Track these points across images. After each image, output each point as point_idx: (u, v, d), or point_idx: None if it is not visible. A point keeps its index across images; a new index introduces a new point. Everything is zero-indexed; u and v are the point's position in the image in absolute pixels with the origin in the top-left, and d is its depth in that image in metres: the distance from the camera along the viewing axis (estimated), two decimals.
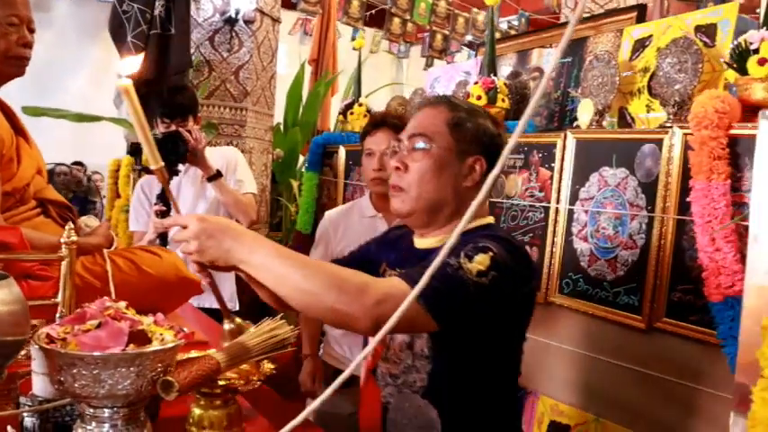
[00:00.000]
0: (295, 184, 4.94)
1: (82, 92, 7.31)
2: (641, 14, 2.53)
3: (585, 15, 5.57)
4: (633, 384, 1.82)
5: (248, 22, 4.42)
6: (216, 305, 2.83)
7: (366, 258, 1.62)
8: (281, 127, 5.45)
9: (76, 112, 4.41)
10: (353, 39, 8.16)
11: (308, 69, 6.01)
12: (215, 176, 2.78)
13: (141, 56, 1.22)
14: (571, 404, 1.98)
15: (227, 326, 1.26)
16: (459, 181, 1.42)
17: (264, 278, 1.17)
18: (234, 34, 4.42)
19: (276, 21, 4.68)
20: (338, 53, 6.43)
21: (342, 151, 3.25)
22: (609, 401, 1.88)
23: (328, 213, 2.66)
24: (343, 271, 1.20)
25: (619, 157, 1.90)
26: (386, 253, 1.59)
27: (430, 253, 1.42)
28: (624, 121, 2.24)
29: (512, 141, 0.65)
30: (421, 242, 1.49)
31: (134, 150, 2.76)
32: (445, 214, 1.44)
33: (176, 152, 2.60)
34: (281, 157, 5.09)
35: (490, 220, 1.50)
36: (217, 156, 2.97)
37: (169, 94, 2.92)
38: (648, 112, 2.16)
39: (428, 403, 1.39)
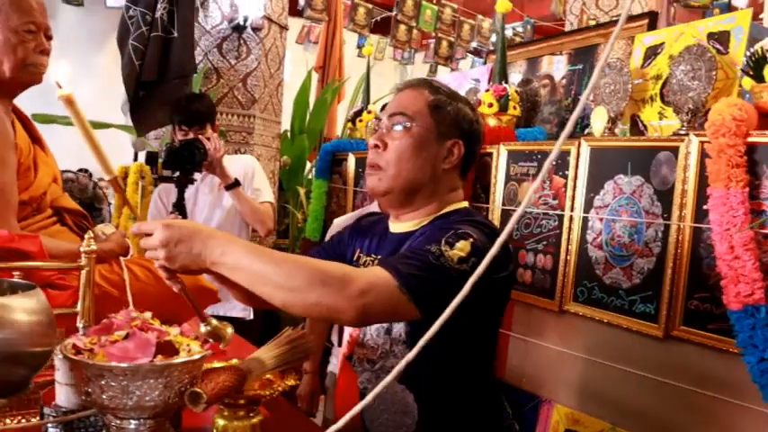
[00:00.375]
0: (302, 191, 4.94)
1: (88, 99, 7.31)
2: (652, 22, 2.53)
3: (592, 23, 5.58)
4: (650, 393, 1.81)
5: (256, 29, 4.43)
6: (231, 314, 2.83)
7: (339, 248, 1.62)
8: (288, 134, 5.46)
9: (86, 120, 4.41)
10: (359, 46, 8.21)
11: (315, 76, 6.02)
12: (233, 185, 2.79)
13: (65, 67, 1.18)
14: (587, 413, 1.98)
15: (203, 328, 1.22)
16: (438, 163, 1.44)
17: (240, 278, 1.15)
18: (242, 41, 4.43)
19: (284, 28, 4.69)
20: (344, 60, 6.44)
21: (351, 159, 3.25)
22: (625, 410, 1.87)
23: (337, 220, 2.67)
24: (323, 264, 1.19)
25: (634, 165, 1.90)
26: (360, 240, 1.59)
27: (407, 237, 1.43)
28: (636, 128, 2.24)
29: (555, 150, 0.65)
30: (396, 226, 1.50)
31: (150, 159, 2.77)
32: (422, 195, 1.44)
33: (192, 160, 2.60)
34: (289, 164, 5.10)
35: (465, 204, 1.51)
36: (235, 164, 2.97)
37: (187, 101, 2.91)
38: (661, 119, 2.15)
39: (405, 389, 1.38)
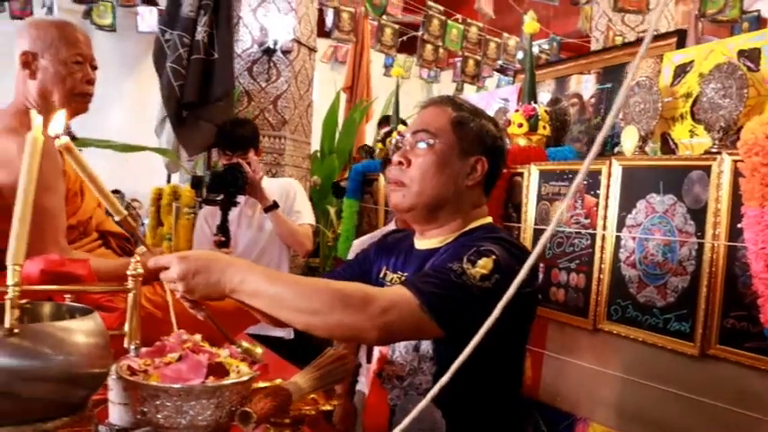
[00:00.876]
0: (332, 210, 4.99)
1: (122, 122, 7.49)
2: (681, 40, 2.54)
3: (618, 39, 5.58)
4: (686, 411, 1.81)
5: (286, 52, 4.52)
6: (272, 333, 2.86)
7: (365, 265, 1.64)
8: (318, 154, 5.53)
9: (122, 143, 4.53)
10: (386, 65, 8.30)
11: (343, 96, 6.10)
12: (271, 207, 2.85)
13: (63, 113, 1.16)
14: (622, 431, 1.97)
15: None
16: (461, 179, 1.45)
17: (260, 304, 1.18)
18: (272, 64, 4.52)
19: (312, 50, 4.78)
20: (371, 80, 6.52)
21: (382, 179, 3.29)
22: (661, 429, 1.87)
23: (356, 241, 2.71)
24: (343, 285, 1.22)
25: (666, 184, 1.91)
26: (386, 257, 1.60)
27: (432, 254, 1.44)
28: (667, 146, 2.25)
29: (582, 170, 0.67)
30: (422, 243, 1.51)
31: (196, 183, 2.84)
32: (446, 212, 1.46)
33: (235, 184, 2.66)
34: (319, 184, 5.16)
35: (489, 220, 1.52)
36: (275, 187, 3.04)
37: (231, 127, 3.00)
38: (692, 137, 2.16)
39: (433, 405, 1.39)
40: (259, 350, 1.24)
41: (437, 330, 1.21)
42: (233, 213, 2.84)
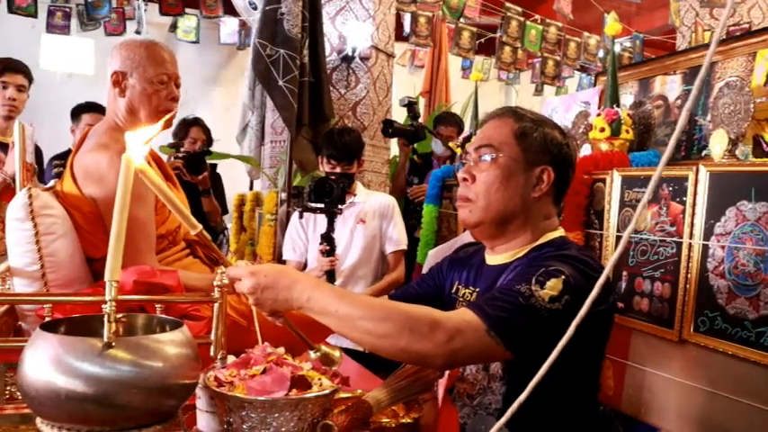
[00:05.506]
0: None
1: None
2: None
3: (707, 34, 5.35)
4: None
5: (364, 59, 4.56)
6: (353, 346, 2.90)
7: (438, 280, 1.63)
8: (398, 159, 5.55)
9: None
10: (463, 68, 8.25)
11: (421, 101, 6.11)
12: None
13: (151, 132, 1.13)
14: None
15: (313, 354, 1.28)
16: (528, 191, 1.43)
17: (328, 322, 1.19)
18: (350, 71, 4.57)
19: (390, 56, 4.81)
20: (449, 83, 6.50)
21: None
22: None
23: (431, 252, 2.71)
24: (411, 309, 1.20)
25: (758, 191, 1.83)
26: (458, 272, 1.60)
27: (503, 269, 1.42)
28: (760, 149, 2.15)
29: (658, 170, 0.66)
30: (492, 258, 1.49)
31: (296, 193, 2.89)
32: (514, 225, 1.44)
33: (330, 195, 2.69)
34: None
35: (560, 233, 1.48)
36: (375, 203, 3.06)
37: (338, 135, 3.03)
38: None
39: (505, 428, 1.37)
40: (337, 353, 1.26)
41: (505, 354, 1.20)
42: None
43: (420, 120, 4.05)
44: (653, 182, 0.72)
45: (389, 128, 3.70)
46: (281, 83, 3.71)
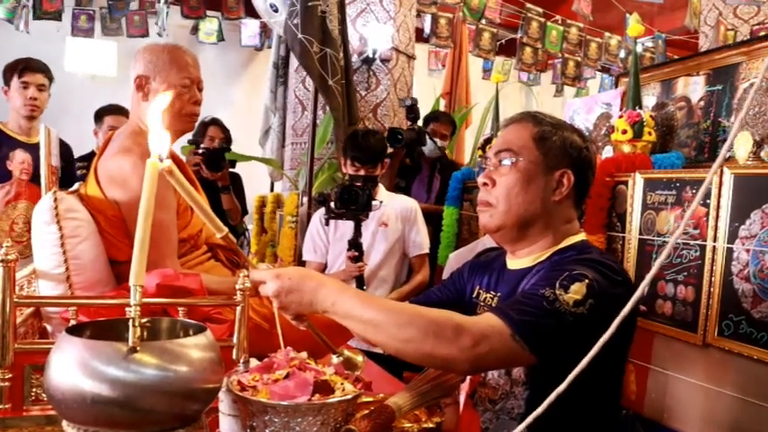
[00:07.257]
0: None
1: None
2: None
3: (731, 34, 5.28)
4: None
5: (385, 60, 4.57)
6: (374, 348, 2.91)
7: (459, 284, 1.63)
8: None
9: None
10: (484, 69, 8.23)
11: (442, 102, 6.10)
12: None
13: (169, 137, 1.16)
14: None
15: (335, 359, 1.28)
16: (548, 195, 1.42)
17: (352, 327, 1.19)
18: (371, 73, 4.58)
19: (411, 58, 4.81)
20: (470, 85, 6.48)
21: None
22: None
23: (452, 255, 2.70)
24: (435, 314, 1.20)
25: None
26: (479, 276, 1.59)
27: (525, 274, 1.42)
28: None
29: (709, 177, 0.66)
30: (513, 263, 1.49)
31: (322, 200, 2.87)
32: (535, 229, 1.43)
33: (356, 202, 2.67)
34: None
35: (582, 236, 1.48)
36: (397, 206, 3.05)
37: (363, 137, 3.00)
38: None
39: (526, 430, 1.37)
40: (360, 358, 1.26)
41: (530, 358, 1.20)
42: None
43: (419, 122, 3.98)
44: (704, 185, 0.72)
45: (398, 136, 3.61)
46: (330, 82, 3.69)
